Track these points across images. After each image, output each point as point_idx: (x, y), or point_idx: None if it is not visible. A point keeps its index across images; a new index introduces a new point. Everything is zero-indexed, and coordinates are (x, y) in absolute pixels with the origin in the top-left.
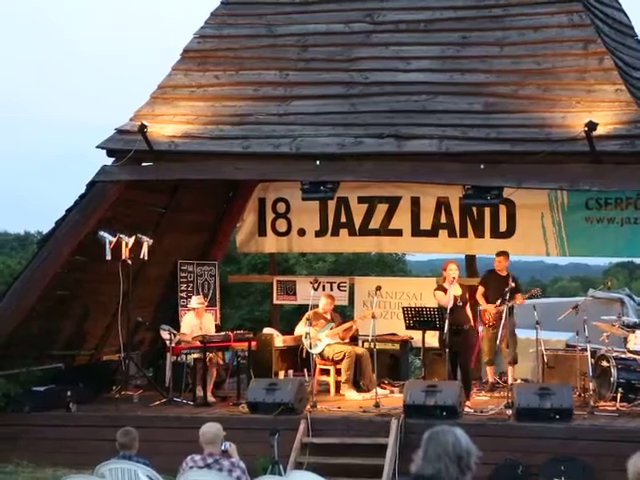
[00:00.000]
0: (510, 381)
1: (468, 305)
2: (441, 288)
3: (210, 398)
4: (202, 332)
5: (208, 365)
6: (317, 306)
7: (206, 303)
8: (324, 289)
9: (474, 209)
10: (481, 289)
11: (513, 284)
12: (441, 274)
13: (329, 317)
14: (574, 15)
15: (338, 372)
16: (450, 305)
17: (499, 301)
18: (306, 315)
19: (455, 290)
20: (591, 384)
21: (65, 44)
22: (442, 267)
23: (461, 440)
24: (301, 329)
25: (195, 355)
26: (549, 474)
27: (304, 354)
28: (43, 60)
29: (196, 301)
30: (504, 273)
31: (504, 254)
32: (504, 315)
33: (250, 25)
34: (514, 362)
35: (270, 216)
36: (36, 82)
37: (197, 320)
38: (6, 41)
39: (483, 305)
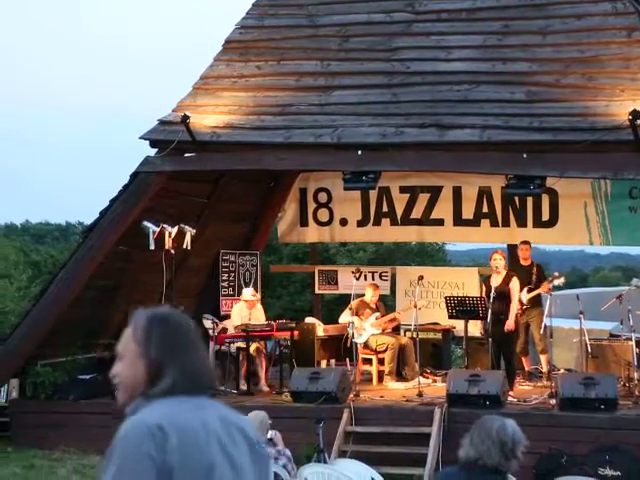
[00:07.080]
0: (545, 370)
1: (513, 296)
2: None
3: (264, 387)
4: (252, 323)
5: (256, 355)
6: (359, 295)
7: (258, 296)
8: (366, 279)
9: (516, 198)
10: None
11: (535, 274)
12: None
13: (374, 306)
14: (618, 3)
15: (380, 362)
16: (492, 294)
17: (524, 291)
18: (350, 304)
19: (494, 280)
20: (636, 373)
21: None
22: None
23: (507, 427)
24: (345, 318)
25: (238, 344)
26: (594, 463)
27: (349, 343)
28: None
29: (249, 293)
30: (528, 262)
31: (526, 243)
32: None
33: (291, 15)
34: (544, 351)
35: (312, 206)
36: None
37: (247, 311)
38: (43, 35)
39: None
